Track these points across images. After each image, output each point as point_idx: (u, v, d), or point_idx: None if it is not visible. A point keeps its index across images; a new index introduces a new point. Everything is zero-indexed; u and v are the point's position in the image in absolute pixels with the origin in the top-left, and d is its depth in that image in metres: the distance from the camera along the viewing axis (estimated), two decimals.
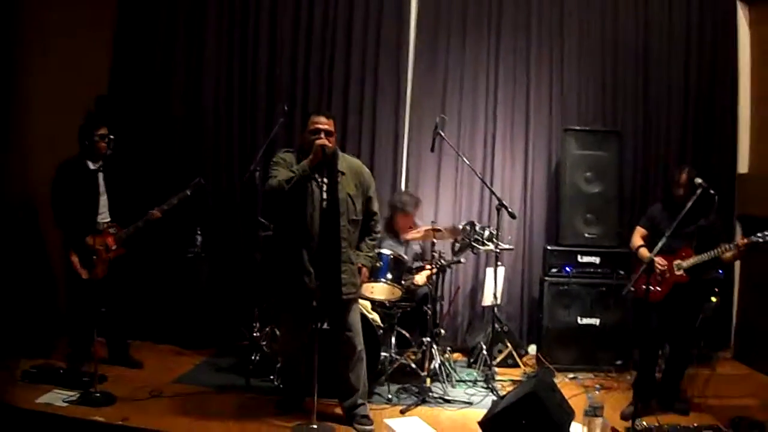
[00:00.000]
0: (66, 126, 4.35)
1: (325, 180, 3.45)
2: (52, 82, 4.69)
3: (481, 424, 3.45)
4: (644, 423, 3.83)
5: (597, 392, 3.86)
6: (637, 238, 4.40)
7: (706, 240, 4.06)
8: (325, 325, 3.50)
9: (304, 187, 3.42)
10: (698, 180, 3.85)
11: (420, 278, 4.69)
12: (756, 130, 5.44)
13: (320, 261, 3.42)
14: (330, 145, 3.44)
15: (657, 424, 3.85)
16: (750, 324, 5.35)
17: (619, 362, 4.91)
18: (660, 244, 3.71)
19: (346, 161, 3.62)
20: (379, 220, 3.89)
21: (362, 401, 3.69)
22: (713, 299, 5.16)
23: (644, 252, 4.27)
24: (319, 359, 3.40)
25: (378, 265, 4.28)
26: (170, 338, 5.06)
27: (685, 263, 4.08)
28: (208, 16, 5.31)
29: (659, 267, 4.07)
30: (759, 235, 3.86)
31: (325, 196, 3.42)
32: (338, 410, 3.76)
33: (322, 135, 3.42)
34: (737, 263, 5.47)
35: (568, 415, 3.68)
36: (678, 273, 4.09)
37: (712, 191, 3.75)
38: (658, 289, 4.15)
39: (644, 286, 4.07)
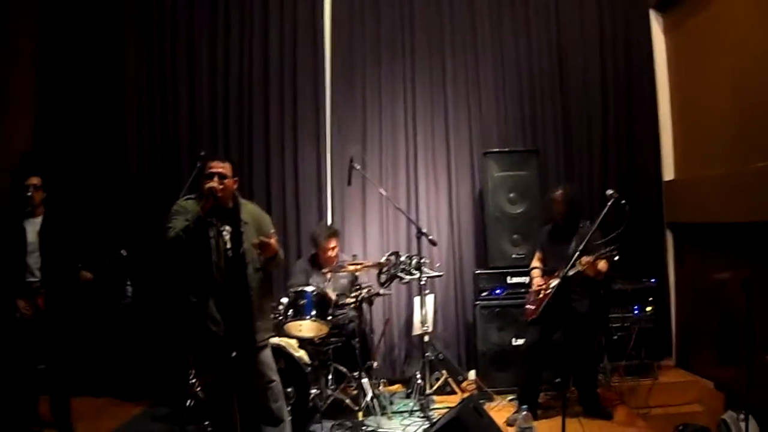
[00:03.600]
0: None
1: (228, 228, 3.46)
2: None
3: None
4: None
5: (524, 413, 3.89)
6: (535, 260, 4.62)
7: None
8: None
9: (205, 235, 3.41)
10: (609, 191, 3.78)
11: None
12: (679, 136, 5.42)
13: (229, 310, 3.43)
14: (219, 187, 3.42)
15: None
16: (690, 330, 5.31)
17: (557, 380, 4.84)
18: (573, 261, 3.71)
19: (248, 210, 3.62)
20: None
21: None
22: (647, 309, 5.16)
23: (535, 273, 4.54)
24: (243, 401, 3.46)
25: (302, 302, 4.33)
26: (108, 390, 5.04)
27: (554, 282, 4.14)
28: (127, 72, 5.35)
29: (536, 287, 4.34)
30: (604, 251, 3.94)
31: (228, 245, 3.43)
32: None
33: (216, 178, 3.42)
34: (671, 270, 5.45)
35: None
36: (548, 291, 4.20)
37: (623, 201, 3.68)
38: (532, 307, 4.37)
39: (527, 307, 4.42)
